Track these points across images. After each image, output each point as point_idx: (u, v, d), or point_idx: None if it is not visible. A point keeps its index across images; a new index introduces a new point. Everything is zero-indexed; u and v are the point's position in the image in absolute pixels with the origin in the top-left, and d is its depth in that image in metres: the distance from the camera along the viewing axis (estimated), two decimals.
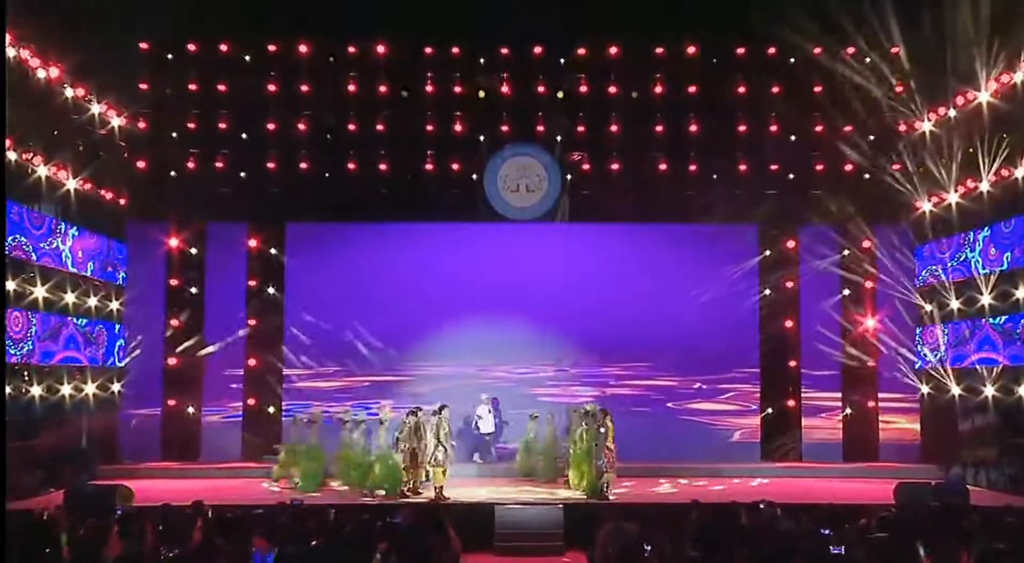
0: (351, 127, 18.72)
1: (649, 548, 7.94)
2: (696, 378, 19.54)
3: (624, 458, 15.52)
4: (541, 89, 18.70)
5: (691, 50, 18.60)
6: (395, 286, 19.16)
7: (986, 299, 16.33)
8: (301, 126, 18.71)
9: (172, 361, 18.99)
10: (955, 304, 17.25)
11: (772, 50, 18.49)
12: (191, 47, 18.37)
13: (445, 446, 15.15)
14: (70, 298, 16.67)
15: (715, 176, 18.90)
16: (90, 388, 17.46)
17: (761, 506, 11.40)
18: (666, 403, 19.54)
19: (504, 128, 18.93)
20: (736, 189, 18.85)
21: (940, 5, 16.05)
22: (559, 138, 19.07)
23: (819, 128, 18.55)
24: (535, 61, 18.72)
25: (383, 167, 18.83)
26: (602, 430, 14.88)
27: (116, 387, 18.50)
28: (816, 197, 18.70)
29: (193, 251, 19.28)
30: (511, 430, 18.88)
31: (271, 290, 19.45)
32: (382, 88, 18.67)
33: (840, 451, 19.13)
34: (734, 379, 19.46)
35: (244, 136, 18.77)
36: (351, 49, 18.49)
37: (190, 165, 18.69)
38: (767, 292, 19.52)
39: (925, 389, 18.48)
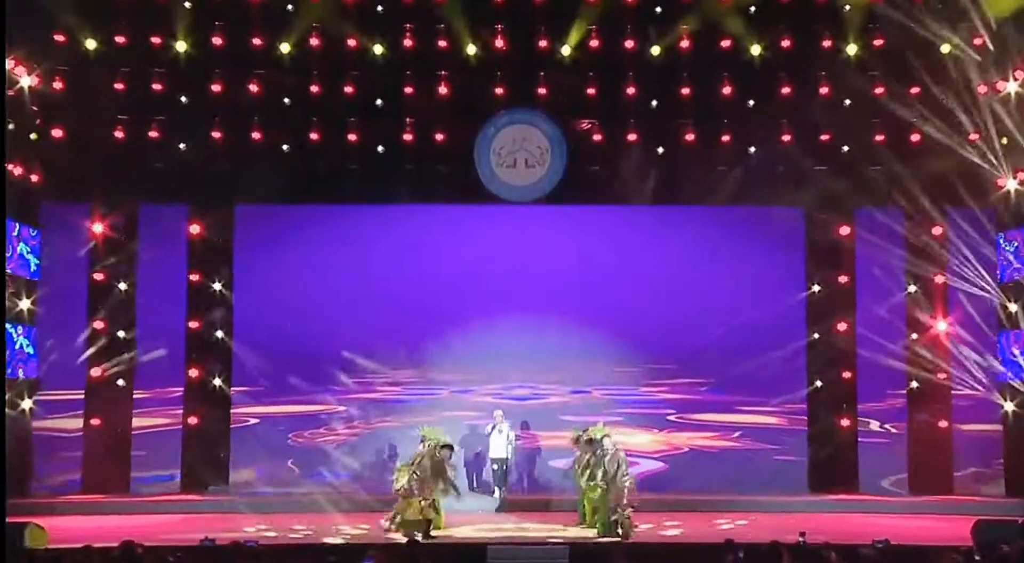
0: (314, 89, 18.57)
1: None
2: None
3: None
4: (543, 44, 18.55)
5: None
6: (366, 281, 19.10)
7: None
8: (253, 88, 18.56)
9: (96, 372, 18.84)
10: None
11: None
12: None
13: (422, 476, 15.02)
14: None
15: (753, 148, 18.84)
16: None
17: (801, 539, 11.50)
18: None
19: (498, 91, 18.79)
20: (778, 164, 18.75)
21: None
22: (564, 102, 18.90)
23: (879, 90, 18.31)
24: (536, 10, 18.55)
25: (352, 137, 18.74)
26: (619, 465, 14.71)
27: (27, 403, 18.29)
28: (875, 174, 18.59)
29: (122, 238, 19.07)
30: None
31: (217, 286, 19.37)
32: (351, 42, 18.50)
33: (905, 481, 19.02)
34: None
35: (184, 100, 18.62)
36: None
37: (118, 135, 18.51)
38: (815, 289, 19.45)
39: (1009, 406, 18.31)
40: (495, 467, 18.14)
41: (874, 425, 19.23)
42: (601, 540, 14.55)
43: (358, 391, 19.28)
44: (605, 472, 14.86)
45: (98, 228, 18.98)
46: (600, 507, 15.09)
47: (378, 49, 18.48)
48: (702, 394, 19.51)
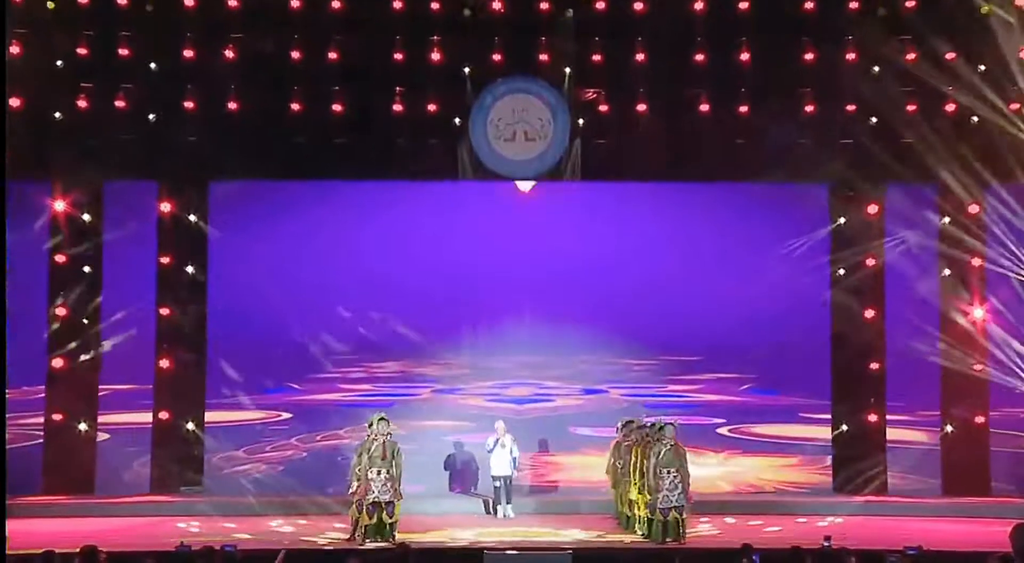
0: (295, 55, 18.51)
1: None
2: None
3: None
4: (544, 6, 18.55)
5: None
6: (350, 264, 19.14)
7: None
8: (229, 54, 18.47)
9: (58, 362, 18.80)
10: None
11: None
12: None
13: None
14: None
15: (773, 120, 18.66)
16: None
17: (825, 544, 11.68)
18: None
19: (496, 57, 18.73)
20: (801, 137, 18.71)
21: None
22: (568, 70, 18.84)
23: (911, 56, 18.30)
24: None
25: (337, 108, 18.62)
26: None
27: None
28: (907, 147, 18.45)
29: (86, 218, 19.02)
30: None
31: (189, 269, 19.28)
32: (336, 3, 18.43)
33: (938, 481, 19.02)
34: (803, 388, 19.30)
35: (153, 66, 18.53)
36: None
37: (81, 104, 18.40)
38: (841, 272, 19.36)
39: None
40: (497, 484, 17.55)
41: None
42: (602, 546, 14.68)
43: (325, 391, 19.31)
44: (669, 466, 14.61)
45: (59, 207, 18.88)
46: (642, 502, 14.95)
47: (365, 12, 18.41)
48: (746, 394, 19.39)
